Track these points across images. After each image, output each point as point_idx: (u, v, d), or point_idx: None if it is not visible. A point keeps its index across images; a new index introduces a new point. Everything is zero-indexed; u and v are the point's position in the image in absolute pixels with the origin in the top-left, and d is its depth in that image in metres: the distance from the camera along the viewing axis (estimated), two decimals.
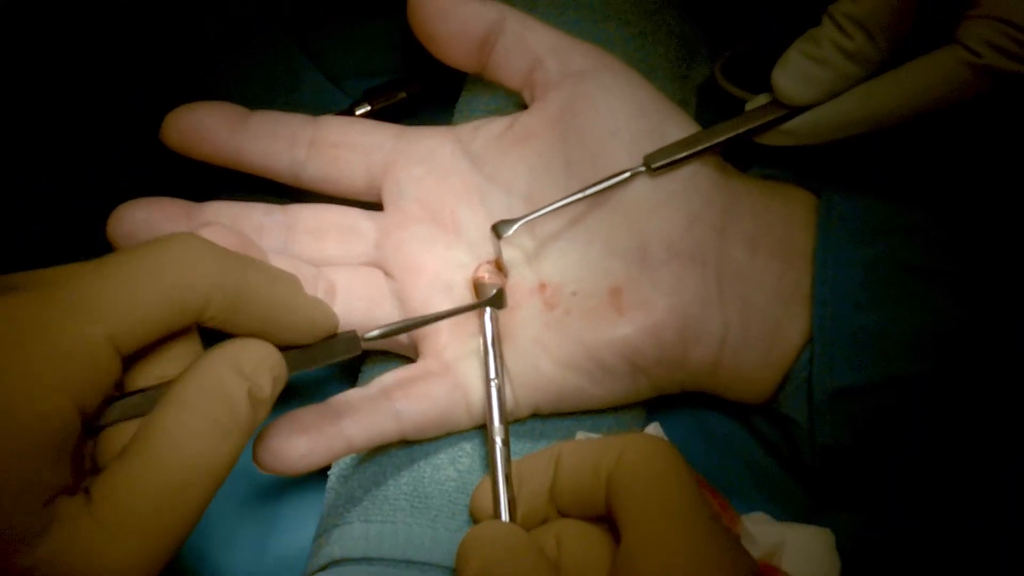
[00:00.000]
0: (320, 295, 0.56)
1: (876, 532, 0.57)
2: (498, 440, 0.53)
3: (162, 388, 0.45)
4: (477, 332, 0.56)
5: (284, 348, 0.48)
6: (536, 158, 0.57)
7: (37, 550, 0.40)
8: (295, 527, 0.62)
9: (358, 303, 0.57)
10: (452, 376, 0.56)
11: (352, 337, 0.50)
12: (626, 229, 0.55)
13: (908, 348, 0.53)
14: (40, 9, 0.60)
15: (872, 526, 0.57)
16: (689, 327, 0.55)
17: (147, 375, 0.46)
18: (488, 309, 0.55)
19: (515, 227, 0.55)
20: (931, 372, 0.53)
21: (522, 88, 0.59)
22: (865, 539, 0.57)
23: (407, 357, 0.60)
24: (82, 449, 0.45)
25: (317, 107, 0.62)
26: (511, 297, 0.57)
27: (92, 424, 0.44)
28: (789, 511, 0.58)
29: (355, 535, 0.55)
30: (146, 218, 0.57)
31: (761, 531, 0.55)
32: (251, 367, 0.46)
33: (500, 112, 0.61)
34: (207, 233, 0.51)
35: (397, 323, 0.52)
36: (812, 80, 0.52)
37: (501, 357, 0.55)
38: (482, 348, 0.55)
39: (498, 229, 0.55)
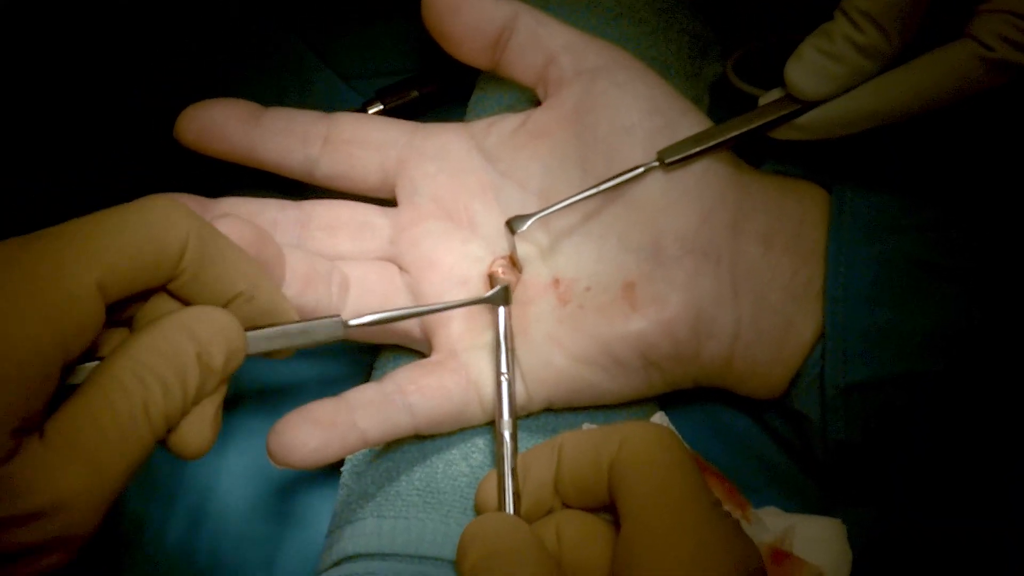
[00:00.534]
0: (334, 289, 0.56)
1: (887, 527, 0.57)
2: (506, 434, 0.54)
3: None
4: (490, 327, 0.57)
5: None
6: (550, 154, 0.58)
7: None
8: (308, 523, 0.63)
9: (371, 297, 0.58)
10: (465, 371, 0.56)
11: (336, 321, 0.51)
12: (640, 225, 0.56)
13: (920, 345, 0.54)
14: (40, 9, 0.61)
15: (883, 521, 0.57)
16: (702, 323, 0.55)
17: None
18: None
19: (529, 222, 0.55)
20: (942, 369, 0.54)
21: (536, 85, 0.59)
22: (877, 534, 0.57)
23: (420, 352, 0.60)
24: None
25: (329, 107, 0.62)
26: (525, 292, 0.57)
27: (65, 382, 0.45)
28: (801, 506, 0.58)
29: (368, 531, 0.55)
30: None
31: (772, 519, 0.55)
32: (206, 334, 0.46)
33: (514, 109, 0.62)
34: (223, 224, 0.52)
35: (386, 312, 0.53)
36: (825, 75, 0.52)
37: (513, 352, 0.55)
38: (494, 346, 0.56)
39: (512, 225, 0.55)
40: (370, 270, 0.59)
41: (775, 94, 0.55)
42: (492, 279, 0.57)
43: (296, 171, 0.60)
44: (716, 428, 0.63)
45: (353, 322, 0.51)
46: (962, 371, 0.54)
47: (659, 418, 0.58)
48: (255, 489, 0.63)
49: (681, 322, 0.55)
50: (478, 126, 0.61)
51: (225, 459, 0.64)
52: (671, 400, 0.60)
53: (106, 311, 0.44)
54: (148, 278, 0.45)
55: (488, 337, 0.57)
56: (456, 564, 0.50)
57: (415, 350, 0.61)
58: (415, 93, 0.70)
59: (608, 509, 0.49)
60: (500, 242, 0.58)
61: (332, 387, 0.55)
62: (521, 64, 0.59)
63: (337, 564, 0.55)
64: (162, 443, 0.46)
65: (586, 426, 0.57)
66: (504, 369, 0.55)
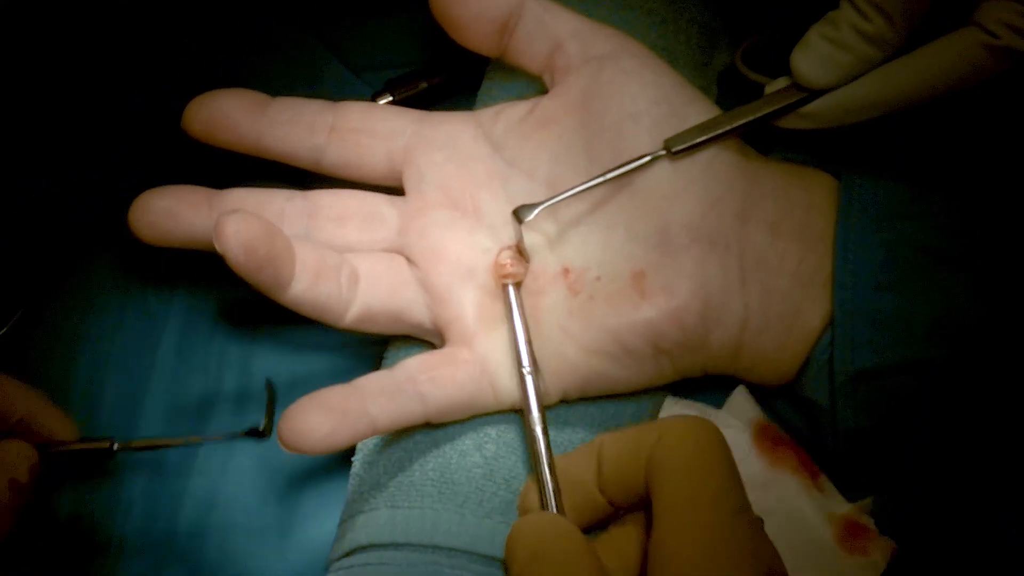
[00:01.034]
0: (344, 281, 0.57)
1: (899, 513, 0.57)
2: (537, 430, 0.54)
3: None
4: (503, 317, 0.57)
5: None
6: (557, 143, 0.58)
7: None
8: (320, 514, 0.63)
9: (381, 289, 0.58)
10: (479, 362, 0.57)
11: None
12: (648, 214, 0.56)
13: (928, 331, 0.54)
14: (41, 9, 0.61)
15: (892, 509, 0.58)
16: (711, 311, 0.56)
17: None
18: (512, 290, 0.57)
19: (536, 212, 0.56)
20: (951, 355, 0.54)
21: (543, 72, 0.60)
22: (891, 520, 0.57)
23: (430, 344, 0.61)
24: None
25: (338, 98, 0.63)
26: (535, 282, 0.58)
27: None
28: (833, 486, 0.59)
29: (381, 521, 0.56)
30: (168, 207, 0.59)
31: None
32: (10, 459, 0.55)
33: (521, 98, 0.62)
34: (233, 221, 0.53)
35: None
36: (831, 63, 0.53)
37: (531, 343, 0.56)
38: (510, 337, 0.57)
39: (519, 214, 0.56)
40: (379, 263, 0.59)
41: (781, 83, 0.56)
42: (499, 269, 0.57)
43: (303, 160, 0.61)
44: None
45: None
46: (969, 358, 0.54)
47: (740, 392, 0.60)
48: (266, 480, 0.64)
49: (690, 310, 0.55)
50: (485, 114, 0.61)
51: (235, 450, 0.65)
52: (681, 389, 0.60)
53: None
54: None
55: (502, 327, 0.58)
56: (505, 565, 0.51)
57: (425, 341, 0.61)
58: (424, 84, 0.70)
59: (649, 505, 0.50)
60: (507, 231, 0.58)
61: (342, 378, 0.56)
62: (528, 51, 0.59)
63: (349, 554, 0.56)
64: None
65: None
66: (526, 363, 0.56)
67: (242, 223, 0.53)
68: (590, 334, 0.56)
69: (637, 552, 0.50)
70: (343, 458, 0.61)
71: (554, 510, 0.53)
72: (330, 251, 0.57)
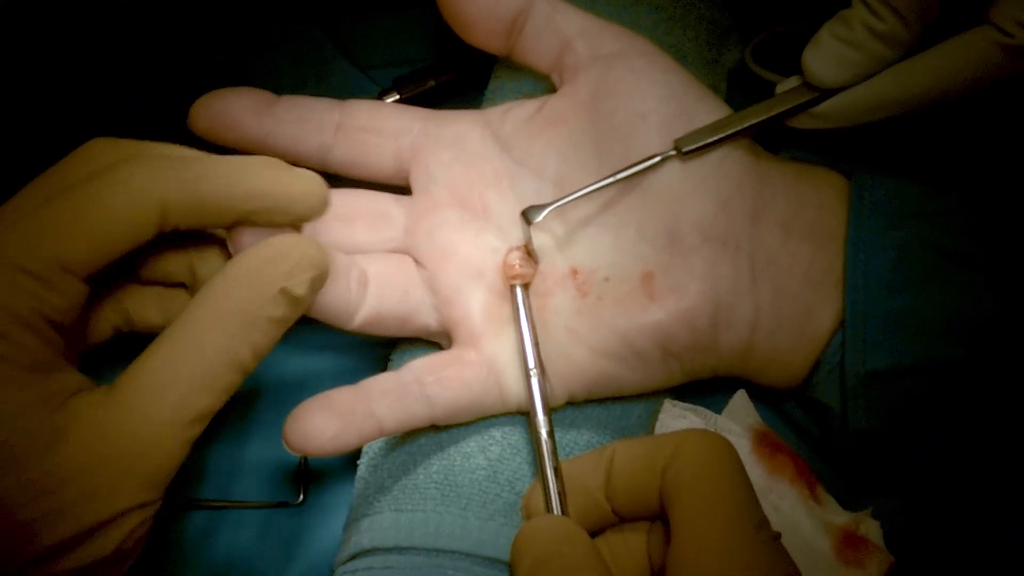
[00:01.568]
0: (353, 285, 0.57)
1: (911, 517, 0.57)
2: (543, 432, 0.54)
3: None
4: (511, 318, 0.57)
5: None
6: (566, 142, 0.58)
7: (55, 455, 0.45)
8: (326, 516, 0.63)
9: (389, 293, 0.58)
10: (486, 363, 0.57)
11: None
12: (657, 214, 0.56)
13: (941, 332, 0.54)
14: (41, 9, 0.61)
15: (904, 512, 0.57)
16: (721, 312, 0.56)
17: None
18: (520, 292, 0.56)
19: (544, 213, 0.56)
20: (964, 356, 0.54)
21: (551, 71, 0.60)
22: (901, 524, 0.57)
23: (437, 344, 0.61)
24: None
25: (346, 96, 0.63)
26: (543, 283, 0.58)
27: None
28: (831, 496, 0.59)
29: (385, 524, 0.56)
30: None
31: None
32: (286, 264, 0.50)
33: (531, 98, 0.62)
34: (241, 235, 0.53)
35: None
36: (843, 62, 0.53)
37: (538, 345, 0.56)
38: (517, 339, 0.57)
39: (528, 215, 0.56)
40: (388, 265, 0.59)
41: (793, 82, 0.56)
42: (507, 270, 0.57)
43: (309, 159, 0.61)
44: None
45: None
46: (982, 359, 0.54)
47: (740, 397, 0.59)
48: (273, 480, 0.64)
49: (700, 312, 0.55)
50: (493, 113, 0.61)
51: (241, 451, 0.65)
52: (691, 391, 0.60)
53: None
54: (126, 245, 0.48)
55: (509, 329, 0.58)
56: (512, 566, 0.50)
57: (432, 342, 0.61)
58: (432, 82, 0.70)
59: (660, 517, 0.50)
60: (515, 231, 0.58)
61: (348, 379, 0.56)
62: (536, 50, 0.59)
63: (354, 558, 0.56)
64: None
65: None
66: (533, 364, 0.56)
67: (247, 235, 0.53)
68: (598, 336, 0.56)
69: (641, 559, 0.50)
70: (350, 460, 0.61)
71: (559, 514, 0.52)
72: (339, 254, 0.57)
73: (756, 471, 0.57)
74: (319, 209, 0.52)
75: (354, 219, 0.60)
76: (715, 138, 0.55)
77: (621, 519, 0.52)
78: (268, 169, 0.51)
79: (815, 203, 0.58)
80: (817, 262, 0.57)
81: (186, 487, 0.64)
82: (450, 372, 0.56)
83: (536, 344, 0.56)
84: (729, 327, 0.56)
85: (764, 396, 0.61)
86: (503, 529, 0.55)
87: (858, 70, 0.53)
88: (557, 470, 0.53)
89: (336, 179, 0.61)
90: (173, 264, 0.55)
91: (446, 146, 0.60)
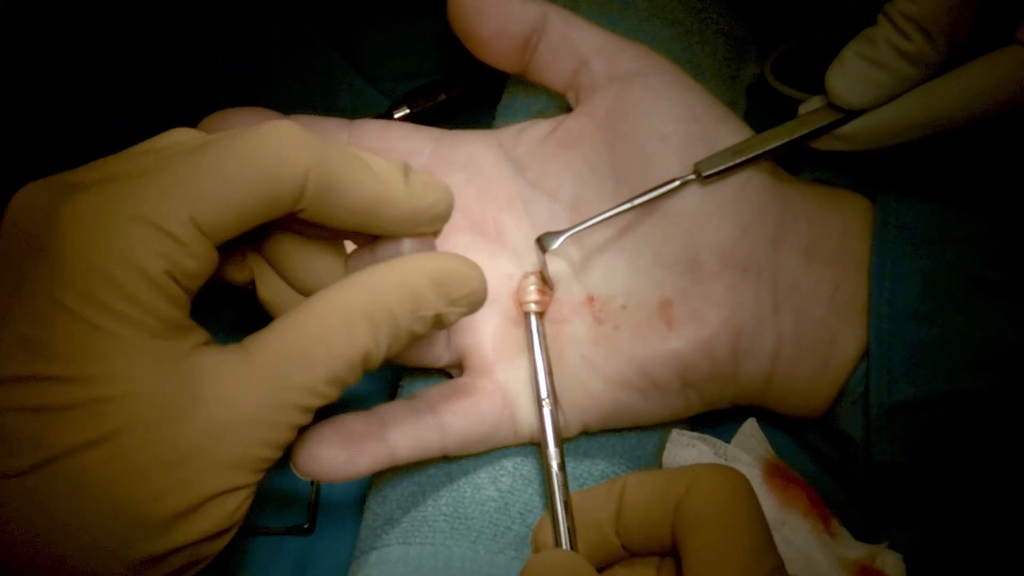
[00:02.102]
0: None
1: (929, 549, 0.56)
2: (554, 465, 0.53)
3: None
4: (525, 347, 0.57)
5: None
6: (582, 164, 0.57)
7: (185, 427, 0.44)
8: (333, 548, 0.62)
9: None
10: (499, 393, 0.56)
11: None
12: (676, 239, 0.55)
13: (968, 362, 0.53)
14: (41, 9, 0.61)
15: (927, 544, 0.56)
16: (742, 341, 0.55)
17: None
18: (534, 320, 0.55)
19: (560, 241, 0.55)
20: (990, 387, 0.53)
21: (567, 90, 0.59)
22: (925, 556, 0.56)
23: (448, 374, 0.60)
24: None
25: (355, 109, 0.62)
26: (559, 311, 0.57)
27: None
28: (844, 527, 0.57)
29: (393, 558, 0.55)
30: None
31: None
32: (455, 293, 0.48)
33: (544, 114, 0.62)
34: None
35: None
36: (868, 83, 0.51)
37: (551, 375, 0.55)
38: (530, 368, 0.56)
39: (543, 242, 0.55)
40: None
41: (816, 102, 0.55)
42: (521, 296, 0.56)
43: None
44: None
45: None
46: (1009, 389, 0.53)
47: (750, 426, 0.58)
48: (281, 507, 0.63)
49: (720, 341, 0.54)
50: (507, 133, 0.60)
51: None
52: (710, 419, 0.60)
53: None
54: (259, 216, 0.45)
55: (522, 358, 0.57)
56: None
57: (443, 371, 0.60)
58: (443, 96, 0.70)
59: (672, 553, 0.49)
60: (530, 256, 0.58)
61: (357, 404, 0.55)
62: (552, 68, 0.58)
63: None
64: None
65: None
66: (545, 395, 0.55)
67: None
68: (615, 365, 0.55)
69: None
70: (359, 488, 0.61)
71: (567, 548, 0.52)
72: None
73: (768, 502, 0.56)
74: (442, 224, 0.51)
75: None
76: (736, 162, 0.54)
77: (631, 554, 0.51)
78: (403, 176, 0.48)
79: (839, 227, 0.57)
80: (841, 289, 0.56)
81: None
82: (464, 402, 0.55)
83: (550, 373, 0.55)
84: (750, 356, 0.55)
85: (784, 425, 0.61)
86: (514, 563, 0.54)
87: (883, 91, 0.52)
88: (567, 504, 0.52)
89: None
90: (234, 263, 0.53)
91: (458, 168, 0.59)
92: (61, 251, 0.42)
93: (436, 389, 0.56)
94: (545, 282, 0.56)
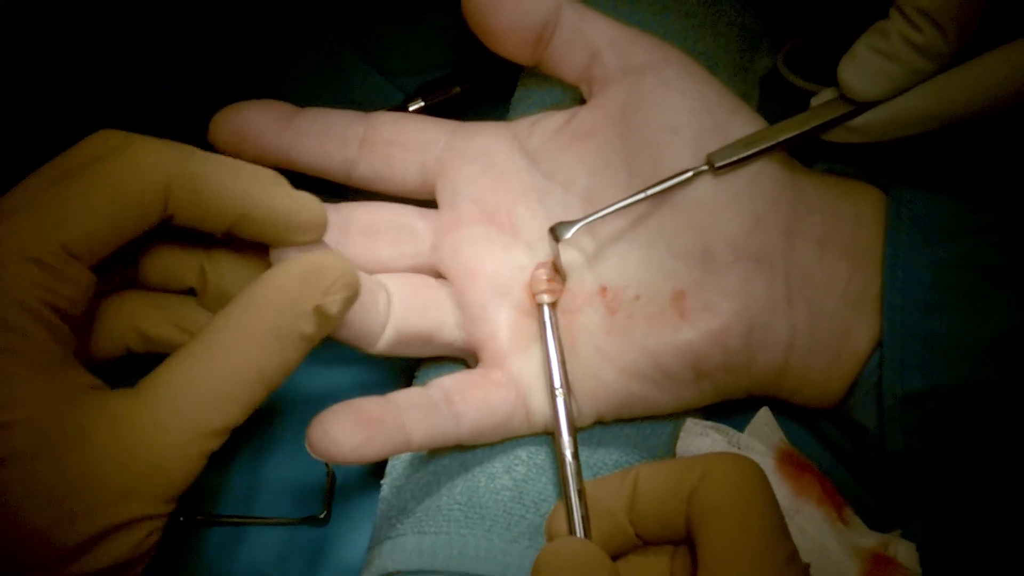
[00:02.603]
0: (381, 308, 0.56)
1: (942, 539, 0.56)
2: (567, 453, 0.54)
3: None
4: (538, 338, 0.57)
5: None
6: (595, 156, 0.57)
7: (72, 458, 0.45)
8: (348, 534, 0.63)
9: (412, 315, 0.57)
10: (513, 383, 0.56)
11: None
12: (689, 230, 0.56)
13: (981, 353, 0.54)
14: (41, 9, 0.61)
15: (941, 535, 0.57)
16: (755, 332, 0.55)
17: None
18: (547, 310, 0.56)
19: (573, 230, 0.55)
20: (1003, 378, 0.53)
21: (580, 82, 0.59)
22: (939, 546, 0.56)
23: (462, 361, 0.60)
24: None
25: (369, 103, 0.63)
26: (572, 301, 0.57)
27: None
28: (858, 517, 0.58)
29: (408, 548, 0.55)
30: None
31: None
32: (325, 282, 0.49)
33: (558, 106, 0.62)
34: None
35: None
36: (880, 75, 0.52)
37: (564, 364, 0.55)
38: (544, 358, 0.56)
39: (556, 232, 0.55)
40: (411, 286, 0.58)
41: (828, 94, 0.55)
42: (534, 287, 0.56)
43: (334, 173, 0.60)
44: None
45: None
46: (1022, 381, 0.53)
47: (764, 415, 0.59)
48: (295, 499, 0.64)
49: (733, 332, 0.55)
50: (521, 125, 0.61)
51: (264, 468, 0.65)
52: (723, 410, 0.60)
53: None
54: (130, 231, 0.48)
55: (536, 348, 0.57)
56: None
57: (457, 359, 0.61)
58: (457, 89, 0.70)
59: (685, 542, 0.49)
60: (543, 247, 0.58)
61: (372, 393, 0.55)
62: (565, 61, 0.59)
63: None
64: None
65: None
66: (559, 385, 0.55)
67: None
68: (628, 356, 0.55)
69: None
70: (374, 477, 0.61)
71: (582, 536, 0.52)
72: (368, 277, 0.56)
73: (781, 491, 0.56)
74: (315, 233, 0.53)
75: (377, 233, 0.60)
76: (748, 153, 0.55)
77: (645, 542, 0.51)
78: (270, 181, 0.51)
79: (852, 218, 0.57)
80: (854, 280, 0.56)
81: (207, 502, 0.64)
82: (478, 392, 0.56)
83: (563, 363, 0.55)
84: (763, 347, 0.55)
85: (798, 415, 0.61)
86: (528, 552, 0.54)
87: (895, 83, 0.52)
88: (581, 492, 0.52)
89: (360, 193, 0.60)
90: (183, 266, 0.55)
91: (472, 159, 0.60)
92: None
93: (450, 378, 0.56)
94: (558, 272, 0.57)
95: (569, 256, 0.57)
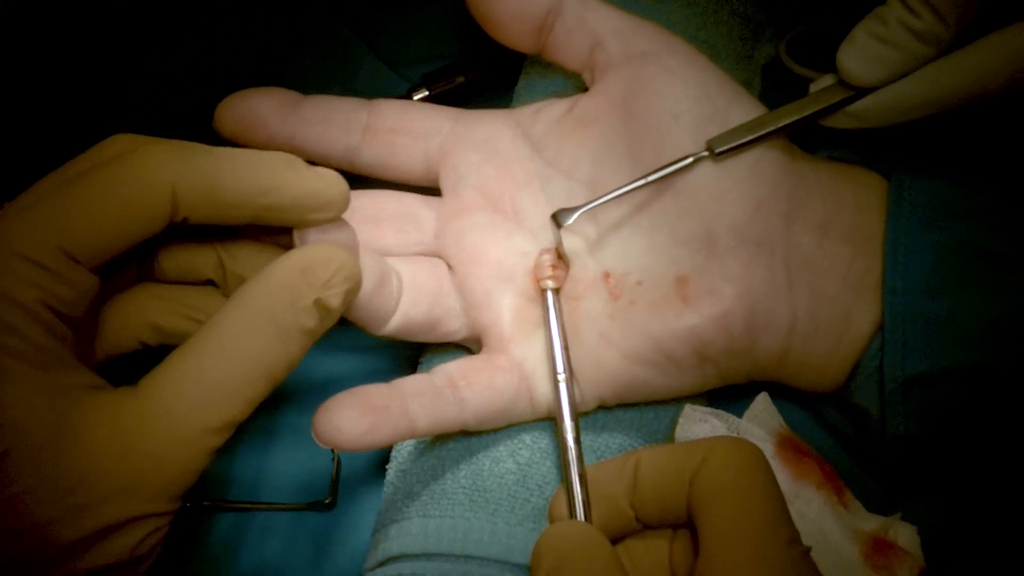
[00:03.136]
0: (395, 292, 0.57)
1: (949, 523, 0.57)
2: (569, 438, 0.54)
3: None
4: (541, 323, 0.57)
5: None
6: (598, 143, 0.58)
7: (71, 455, 0.45)
8: (354, 521, 0.63)
9: (422, 298, 0.58)
10: (516, 369, 0.57)
11: None
12: (691, 216, 0.56)
13: (981, 336, 0.54)
14: (41, 9, 0.61)
15: (944, 517, 0.57)
16: (757, 316, 0.55)
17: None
18: (551, 296, 0.56)
19: (575, 216, 0.56)
20: (1004, 361, 0.54)
21: (583, 70, 0.60)
22: (939, 529, 0.56)
23: (467, 348, 0.61)
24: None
25: (374, 93, 0.63)
26: (574, 287, 0.58)
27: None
28: (860, 501, 0.58)
29: (413, 531, 0.56)
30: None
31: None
32: (324, 276, 0.49)
33: (561, 94, 0.62)
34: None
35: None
36: (879, 61, 0.52)
37: (567, 350, 0.56)
38: (547, 343, 0.56)
39: (558, 218, 0.56)
40: (421, 269, 0.59)
41: (827, 80, 0.55)
42: (537, 273, 0.56)
43: (337, 161, 0.61)
44: None
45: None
46: (1022, 363, 0.54)
47: (762, 400, 0.59)
48: (301, 486, 0.64)
49: (735, 316, 0.55)
50: (524, 113, 0.61)
51: (269, 456, 0.65)
52: (726, 394, 0.60)
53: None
54: (134, 236, 0.48)
55: (539, 334, 0.58)
56: (531, 571, 0.50)
57: (462, 346, 0.61)
58: (461, 78, 0.70)
59: (687, 525, 0.49)
60: (546, 234, 0.58)
61: (377, 380, 0.55)
62: (568, 49, 0.59)
63: (383, 564, 0.56)
64: None
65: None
66: (561, 370, 0.55)
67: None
68: (631, 341, 0.56)
69: (663, 568, 0.50)
70: (379, 463, 0.61)
71: (582, 520, 0.52)
72: (381, 260, 0.57)
73: (780, 476, 0.56)
74: (338, 209, 0.52)
75: (381, 221, 0.60)
76: (748, 138, 0.55)
77: (645, 526, 0.52)
78: (286, 165, 0.50)
79: (853, 204, 0.57)
80: (855, 264, 0.56)
81: (213, 489, 0.64)
82: (482, 377, 0.56)
83: (566, 349, 0.56)
84: (765, 331, 0.56)
85: (800, 399, 0.61)
86: (532, 535, 0.55)
87: (894, 68, 0.52)
88: (582, 477, 0.53)
89: (364, 180, 0.61)
90: (200, 259, 0.55)
91: (476, 147, 0.60)
92: None
93: (455, 364, 0.57)
94: (561, 258, 0.57)
95: (572, 243, 0.58)
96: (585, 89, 0.60)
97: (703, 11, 0.64)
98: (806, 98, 0.56)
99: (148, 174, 0.47)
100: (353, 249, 0.54)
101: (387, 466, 0.60)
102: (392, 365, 0.66)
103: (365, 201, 0.60)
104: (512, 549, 0.54)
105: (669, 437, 0.59)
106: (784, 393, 0.60)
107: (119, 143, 0.51)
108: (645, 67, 0.57)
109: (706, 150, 0.55)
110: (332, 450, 0.61)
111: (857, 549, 0.55)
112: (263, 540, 0.63)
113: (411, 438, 0.55)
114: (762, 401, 0.59)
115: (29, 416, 0.44)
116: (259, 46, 0.71)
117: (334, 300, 0.50)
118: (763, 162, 0.56)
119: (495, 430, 0.58)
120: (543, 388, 0.57)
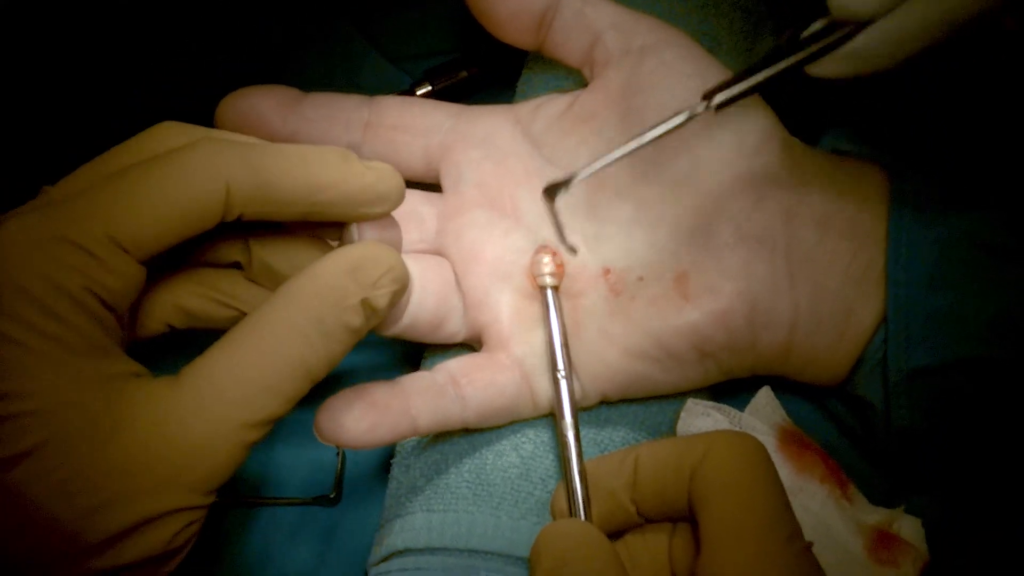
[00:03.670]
0: (408, 293, 0.56)
1: (953, 515, 0.57)
2: (569, 435, 0.54)
3: None
4: (541, 320, 0.57)
5: None
6: (597, 139, 0.58)
7: (110, 448, 0.44)
8: (358, 516, 0.64)
9: (429, 298, 0.58)
10: (517, 366, 0.57)
11: None
12: (691, 211, 0.56)
13: (984, 329, 0.54)
14: (41, 9, 0.61)
15: (948, 509, 0.57)
16: (758, 312, 0.55)
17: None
18: (550, 294, 0.56)
19: (570, 187, 0.54)
20: (1010, 354, 0.54)
21: (582, 66, 0.60)
22: (943, 522, 0.57)
23: (469, 346, 0.61)
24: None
25: (377, 88, 0.63)
26: (574, 284, 0.58)
27: None
28: (865, 494, 0.58)
29: (417, 525, 0.56)
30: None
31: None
32: (373, 275, 0.49)
33: (562, 90, 0.62)
34: None
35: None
36: None
37: (567, 347, 0.56)
38: (546, 340, 0.56)
39: (551, 192, 0.54)
40: (427, 268, 0.59)
41: (818, 24, 0.50)
42: (535, 270, 0.56)
43: None
44: None
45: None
46: None
47: (764, 394, 0.59)
48: (305, 481, 0.64)
49: (736, 312, 0.55)
50: (524, 109, 0.61)
51: (273, 451, 0.65)
52: (729, 387, 0.60)
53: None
54: (184, 231, 0.47)
55: (539, 331, 0.57)
56: (530, 569, 0.50)
57: (463, 344, 0.61)
58: (464, 74, 0.70)
59: (686, 519, 0.50)
60: (545, 230, 0.58)
61: (381, 376, 0.56)
62: (567, 45, 0.59)
63: (387, 559, 0.56)
64: None
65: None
66: (561, 367, 0.55)
67: None
68: (632, 337, 0.56)
69: (662, 563, 0.50)
70: (384, 458, 0.62)
71: (582, 518, 0.53)
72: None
73: (784, 470, 0.56)
74: (394, 203, 0.51)
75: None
76: (744, 87, 0.52)
77: (646, 520, 0.52)
78: (339, 159, 0.50)
79: (854, 197, 0.57)
80: (857, 259, 0.56)
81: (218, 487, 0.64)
82: (484, 374, 0.56)
83: (566, 346, 0.56)
84: (767, 327, 0.56)
85: (804, 392, 0.61)
86: (535, 528, 0.54)
87: None
88: (582, 474, 0.53)
89: None
90: (226, 242, 0.54)
91: (476, 143, 0.60)
92: None
93: (456, 361, 0.57)
94: (562, 241, 0.54)
95: (571, 238, 0.57)
96: (586, 85, 0.60)
97: (704, 4, 0.64)
98: (796, 44, 0.51)
99: (204, 172, 0.46)
100: (399, 248, 0.53)
101: (391, 460, 0.60)
102: (394, 361, 0.66)
103: None
104: (516, 543, 0.55)
105: (672, 431, 0.59)
106: (788, 386, 0.60)
107: (168, 132, 0.51)
108: (644, 61, 0.57)
109: (703, 103, 0.52)
110: (339, 449, 0.61)
111: (861, 542, 0.55)
112: (268, 534, 0.63)
113: (413, 436, 0.55)
114: (764, 395, 0.59)
115: (69, 405, 0.44)
116: (259, 46, 0.71)
117: (381, 300, 0.49)
118: (764, 157, 0.56)
119: (497, 427, 0.58)
120: (544, 385, 0.57)
